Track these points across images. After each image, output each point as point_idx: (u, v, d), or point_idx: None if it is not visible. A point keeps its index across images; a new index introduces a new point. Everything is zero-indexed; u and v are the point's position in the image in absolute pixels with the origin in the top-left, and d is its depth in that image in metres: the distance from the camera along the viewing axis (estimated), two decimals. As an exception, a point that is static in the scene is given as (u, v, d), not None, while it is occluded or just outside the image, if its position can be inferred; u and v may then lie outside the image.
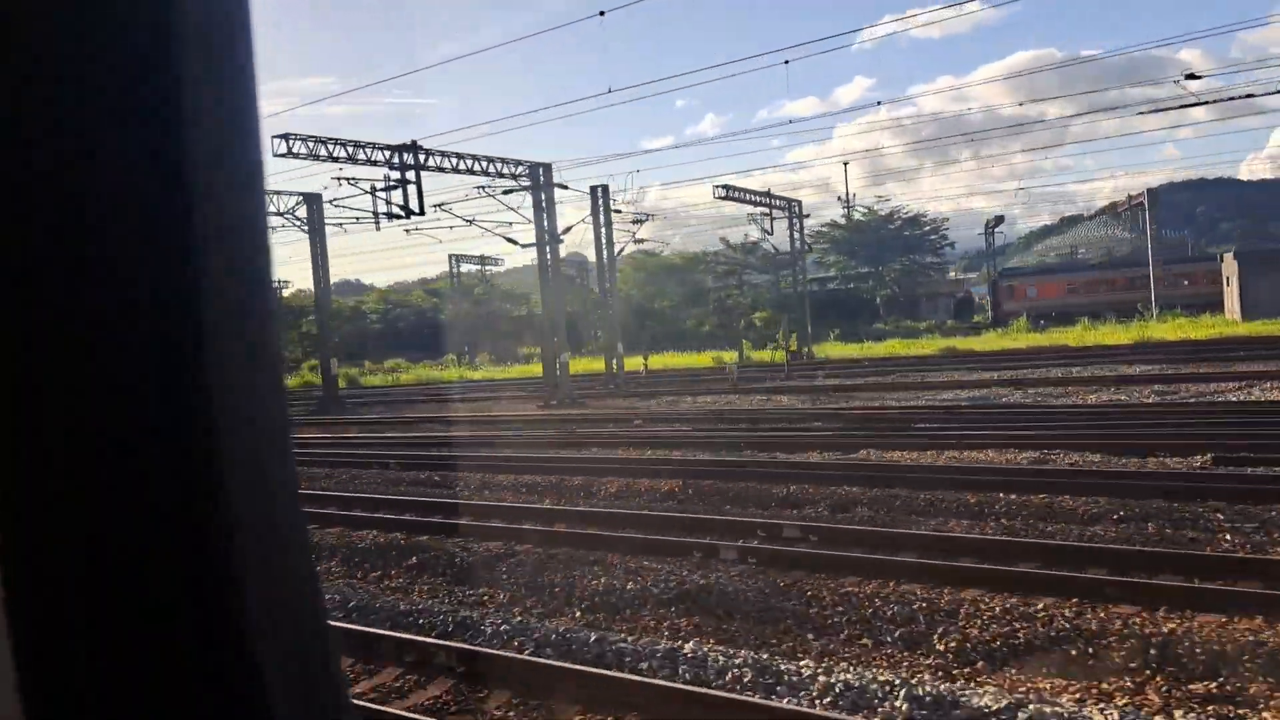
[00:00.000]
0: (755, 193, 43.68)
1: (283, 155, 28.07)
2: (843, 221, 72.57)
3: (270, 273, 0.80)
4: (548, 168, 32.32)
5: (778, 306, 57.80)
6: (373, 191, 30.18)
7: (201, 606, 0.71)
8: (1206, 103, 28.94)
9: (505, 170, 32.14)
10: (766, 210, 43.55)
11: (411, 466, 17.39)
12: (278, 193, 34.43)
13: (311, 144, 28.71)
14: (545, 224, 31.94)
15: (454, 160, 31.15)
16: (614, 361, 35.01)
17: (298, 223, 35.27)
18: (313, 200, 35.02)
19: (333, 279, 39.30)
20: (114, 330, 0.70)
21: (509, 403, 32.53)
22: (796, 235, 45.00)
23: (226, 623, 0.72)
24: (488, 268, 76.78)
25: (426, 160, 30.31)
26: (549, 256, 32.11)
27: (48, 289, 0.68)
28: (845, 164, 76.03)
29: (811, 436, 17.24)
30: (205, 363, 0.71)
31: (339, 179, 30.39)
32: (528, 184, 32.04)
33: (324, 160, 29.22)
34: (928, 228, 73.56)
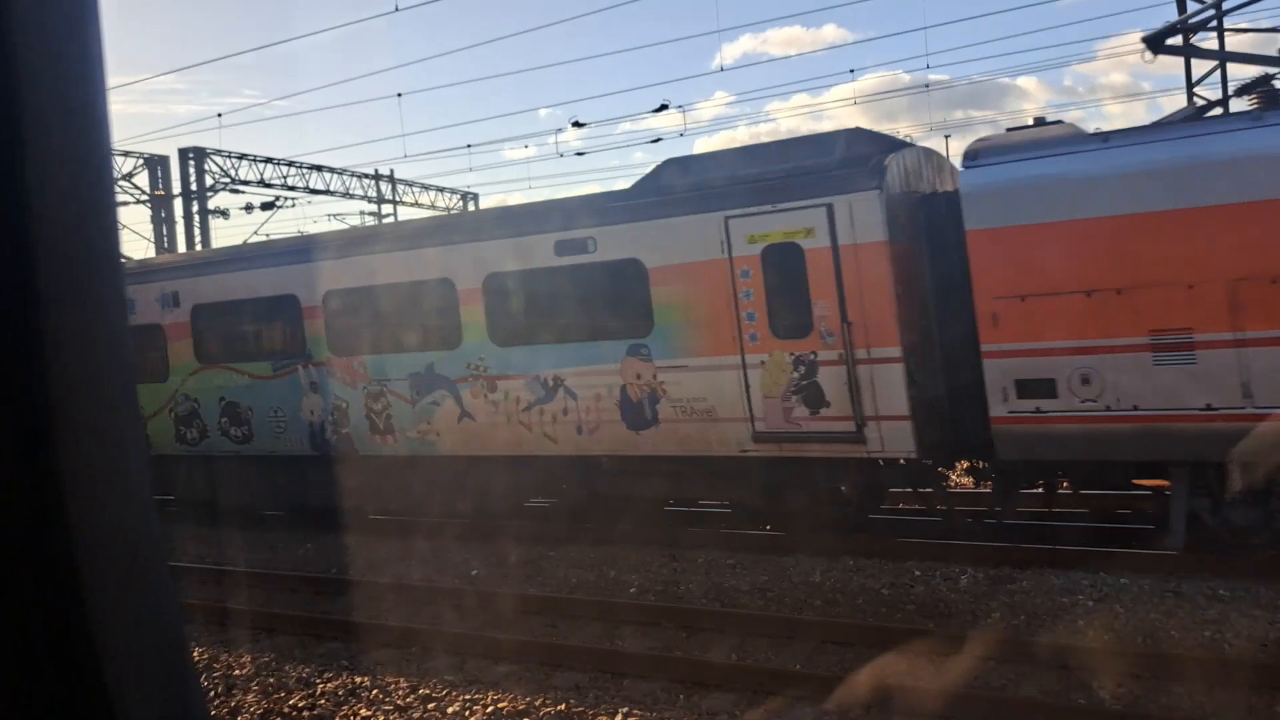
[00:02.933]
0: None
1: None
2: None
3: (120, 272, 0.78)
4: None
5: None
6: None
7: (54, 614, 0.69)
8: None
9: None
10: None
11: None
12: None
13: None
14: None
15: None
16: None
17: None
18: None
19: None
20: None
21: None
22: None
23: (80, 629, 0.69)
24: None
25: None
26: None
27: None
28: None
29: None
30: (49, 368, 0.68)
31: None
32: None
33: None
34: None
